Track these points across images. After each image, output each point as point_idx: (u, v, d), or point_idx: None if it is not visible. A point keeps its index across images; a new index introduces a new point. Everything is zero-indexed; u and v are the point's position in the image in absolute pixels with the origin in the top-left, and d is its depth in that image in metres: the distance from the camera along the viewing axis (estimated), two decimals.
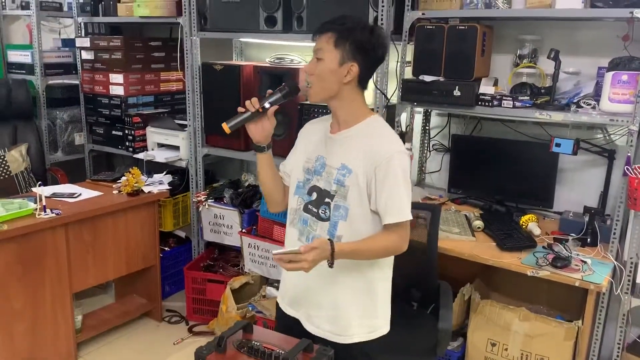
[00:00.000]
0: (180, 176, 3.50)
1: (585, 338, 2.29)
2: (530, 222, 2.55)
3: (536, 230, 2.51)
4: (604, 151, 2.53)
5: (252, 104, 1.73)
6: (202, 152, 3.33)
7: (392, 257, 1.81)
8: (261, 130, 1.76)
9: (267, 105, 1.73)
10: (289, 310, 1.88)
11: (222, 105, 3.18)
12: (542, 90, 2.54)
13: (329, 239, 1.59)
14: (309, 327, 1.81)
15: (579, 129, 2.63)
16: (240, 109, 1.75)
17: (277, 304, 1.95)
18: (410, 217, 1.65)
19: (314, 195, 1.74)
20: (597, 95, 2.41)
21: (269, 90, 1.78)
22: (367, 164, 1.64)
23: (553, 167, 2.66)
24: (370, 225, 1.69)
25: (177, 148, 3.41)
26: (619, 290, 2.30)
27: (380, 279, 1.80)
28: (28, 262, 2.54)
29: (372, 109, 1.90)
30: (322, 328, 1.78)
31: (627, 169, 2.21)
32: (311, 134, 1.84)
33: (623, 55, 2.32)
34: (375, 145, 1.65)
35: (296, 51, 3.20)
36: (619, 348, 2.44)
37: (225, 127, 1.72)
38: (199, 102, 3.29)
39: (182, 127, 3.38)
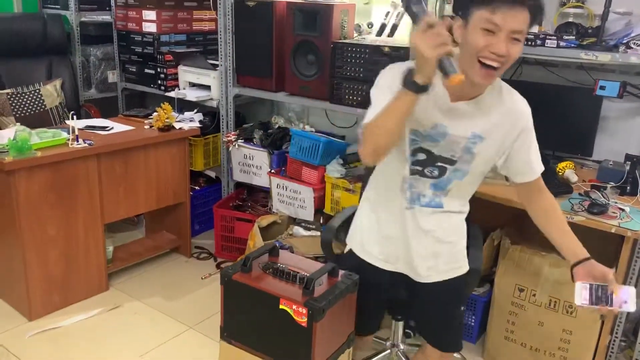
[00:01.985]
0: (211, 117, 3.49)
1: None
2: (567, 169, 2.46)
3: (573, 178, 2.42)
4: None
5: (444, 38, 1.25)
6: (233, 92, 3.31)
7: None
8: None
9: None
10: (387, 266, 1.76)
11: (254, 44, 3.13)
12: (589, 31, 2.41)
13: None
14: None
15: (626, 74, 2.50)
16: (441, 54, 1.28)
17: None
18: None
19: (421, 156, 1.59)
20: None
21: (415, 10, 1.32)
22: (507, 126, 1.55)
23: (595, 114, 2.54)
24: (476, 186, 1.71)
25: (208, 88, 3.39)
26: None
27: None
28: (61, 190, 2.59)
29: None
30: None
31: None
32: (424, 101, 1.45)
33: None
34: (512, 105, 1.56)
35: None
36: None
37: (458, 77, 1.28)
38: (231, 41, 3.24)
39: (214, 67, 3.35)
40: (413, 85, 1.30)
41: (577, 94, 2.57)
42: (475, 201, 2.31)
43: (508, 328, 2.43)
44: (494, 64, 1.38)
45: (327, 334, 1.52)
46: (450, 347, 1.89)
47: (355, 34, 3.04)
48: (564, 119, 2.61)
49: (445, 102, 1.52)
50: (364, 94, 2.81)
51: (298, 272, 1.56)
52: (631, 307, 1.44)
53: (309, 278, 1.49)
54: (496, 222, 2.56)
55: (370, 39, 2.95)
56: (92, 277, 2.84)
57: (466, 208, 1.76)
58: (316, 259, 2.61)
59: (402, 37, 2.84)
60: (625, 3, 2.42)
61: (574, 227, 2.17)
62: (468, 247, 2.23)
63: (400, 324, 2.36)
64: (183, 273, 3.16)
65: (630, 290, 1.46)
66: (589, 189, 2.31)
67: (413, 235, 1.66)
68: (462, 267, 1.78)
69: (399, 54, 2.67)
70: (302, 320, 1.46)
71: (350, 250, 1.85)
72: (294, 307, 1.46)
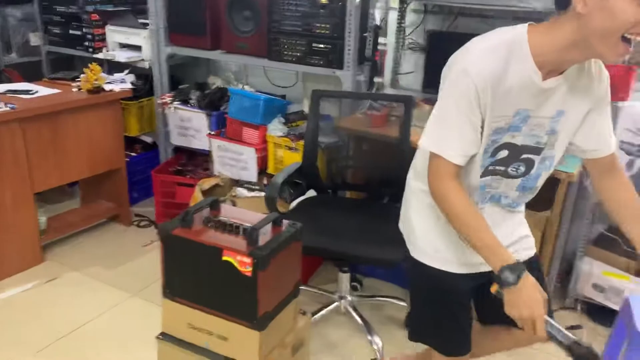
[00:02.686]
0: (144, 79, 3.34)
1: (554, 228, 2.32)
2: None
3: None
4: None
5: None
6: (165, 51, 3.16)
7: None
8: None
9: None
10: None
11: (186, 0, 2.99)
12: None
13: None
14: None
15: None
16: None
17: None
18: None
19: (502, 154, 1.36)
20: None
21: None
22: (586, 94, 1.32)
23: None
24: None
25: (139, 48, 3.23)
26: (588, 182, 2.32)
27: None
28: None
29: None
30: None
31: None
32: (495, 86, 1.25)
33: None
34: (593, 71, 1.31)
35: None
36: (584, 241, 2.50)
37: None
38: None
39: (144, 26, 3.18)
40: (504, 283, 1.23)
41: None
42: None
43: None
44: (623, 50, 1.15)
45: (273, 284, 1.50)
46: None
47: None
48: None
49: (536, 84, 1.26)
50: (303, 49, 2.75)
51: (241, 224, 1.52)
52: None
53: (252, 228, 1.45)
54: None
55: None
56: (25, 249, 2.69)
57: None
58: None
59: None
60: None
61: None
62: None
63: (347, 275, 2.38)
64: (123, 242, 3.05)
65: None
66: None
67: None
68: (532, 247, 1.61)
69: (336, 4, 2.62)
70: (247, 270, 1.42)
71: (417, 263, 1.51)
72: (238, 257, 1.42)
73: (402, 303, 2.52)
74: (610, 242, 2.48)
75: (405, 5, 2.90)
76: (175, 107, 3.12)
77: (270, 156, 2.89)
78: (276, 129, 2.86)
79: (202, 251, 1.47)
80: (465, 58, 1.26)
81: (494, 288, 1.27)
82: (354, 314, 2.37)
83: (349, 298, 2.42)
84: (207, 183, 2.91)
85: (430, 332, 1.56)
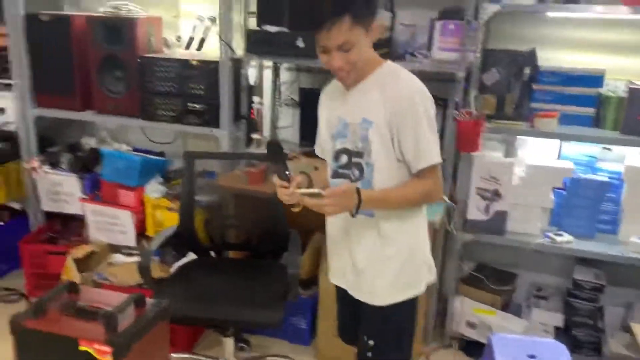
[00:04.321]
0: (11, 142, 3.13)
1: None
2: None
3: None
4: (440, 99, 2.68)
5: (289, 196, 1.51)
6: (32, 113, 3.00)
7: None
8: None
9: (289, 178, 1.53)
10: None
11: (52, 60, 2.88)
12: (381, 42, 2.61)
13: (356, 188, 1.49)
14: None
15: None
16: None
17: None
18: (441, 160, 1.55)
19: (343, 159, 1.61)
20: (429, 46, 2.53)
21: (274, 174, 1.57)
22: (388, 110, 1.50)
23: None
24: (398, 179, 1.57)
25: (2, 110, 3.04)
26: (451, 227, 2.49)
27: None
28: None
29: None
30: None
31: (456, 112, 2.36)
32: (328, 100, 1.72)
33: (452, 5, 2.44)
34: (392, 89, 1.51)
35: None
36: (455, 280, 2.66)
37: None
38: (25, 58, 2.93)
39: (8, 87, 3.01)
40: None
41: None
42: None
43: None
44: (338, 75, 1.53)
45: None
46: None
47: (164, 48, 2.95)
48: None
49: (342, 91, 1.60)
50: (179, 108, 2.74)
51: (100, 308, 1.45)
52: None
53: (110, 313, 1.40)
54: (316, 226, 2.65)
55: (180, 52, 2.89)
56: None
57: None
58: (140, 286, 2.49)
59: (211, 51, 2.82)
60: (409, 16, 2.66)
61: None
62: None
63: (231, 340, 2.33)
64: None
65: None
66: None
67: None
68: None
69: (208, 67, 2.65)
70: (107, 359, 1.36)
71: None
72: (95, 346, 1.36)
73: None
74: (478, 280, 2.66)
75: (279, 65, 2.99)
76: (45, 172, 2.96)
77: (149, 218, 2.81)
78: (154, 190, 2.80)
79: (57, 343, 1.39)
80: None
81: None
82: None
83: None
84: (80, 251, 2.77)
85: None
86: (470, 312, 2.61)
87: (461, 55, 2.33)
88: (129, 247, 2.81)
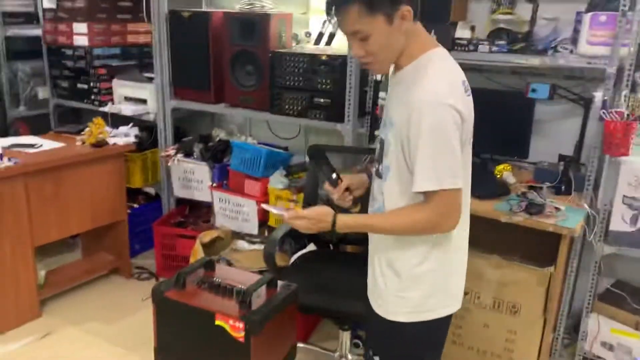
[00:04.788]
0: (148, 132, 3.38)
1: (558, 284, 2.27)
2: (505, 171, 2.50)
3: (511, 179, 2.46)
4: (580, 99, 2.48)
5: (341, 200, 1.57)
6: (170, 105, 3.21)
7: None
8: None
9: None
10: None
11: (191, 55, 3.06)
12: (520, 37, 2.47)
13: (334, 213, 1.44)
14: None
15: (556, 78, 2.57)
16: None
17: None
18: (447, 187, 1.31)
19: (377, 148, 1.50)
20: (574, 40, 2.35)
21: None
22: (403, 115, 1.34)
23: (529, 117, 2.60)
24: (409, 193, 1.38)
25: (144, 101, 3.29)
26: (591, 237, 2.28)
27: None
28: None
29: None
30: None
31: (603, 112, 2.16)
32: (389, 85, 1.55)
33: None
34: (412, 89, 1.34)
35: None
36: (590, 296, 2.44)
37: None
38: (166, 53, 3.15)
39: (150, 80, 3.25)
40: None
41: (511, 97, 2.62)
42: None
43: (455, 332, 2.43)
44: (362, 64, 1.43)
45: (266, 348, 1.46)
46: None
47: (293, 43, 3.02)
48: (500, 123, 2.65)
49: (391, 74, 1.48)
50: (305, 103, 2.79)
51: (235, 286, 1.49)
52: None
53: (245, 291, 1.43)
54: None
55: (309, 48, 2.94)
56: (22, 304, 2.66)
57: None
58: (261, 272, 2.55)
59: (340, 46, 2.84)
60: (552, 9, 2.50)
61: (512, 227, 2.21)
62: None
63: (348, 333, 2.32)
64: (122, 295, 3.02)
65: None
66: (526, 190, 2.35)
67: None
68: None
69: (337, 62, 2.67)
70: (239, 335, 1.39)
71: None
72: (230, 322, 1.39)
73: None
74: (617, 297, 2.42)
75: None
76: (178, 160, 3.15)
77: None
78: (277, 181, 2.86)
79: (194, 315, 1.45)
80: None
81: None
82: None
83: (350, 357, 2.35)
84: (208, 236, 2.90)
85: None
86: (607, 333, 2.38)
87: (613, 50, 2.13)
88: (252, 235, 2.90)
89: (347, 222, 1.44)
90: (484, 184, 2.38)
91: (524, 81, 2.64)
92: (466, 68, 2.76)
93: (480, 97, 2.64)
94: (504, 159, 2.66)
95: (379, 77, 2.84)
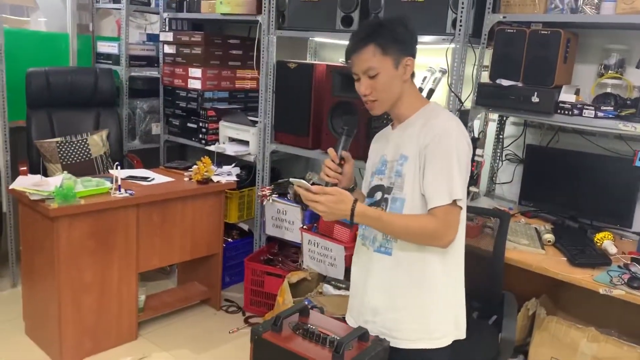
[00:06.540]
0: (247, 171, 3.58)
1: None
2: (605, 240, 2.40)
3: (612, 249, 2.36)
4: None
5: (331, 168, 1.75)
6: (270, 147, 3.39)
7: (459, 256, 1.72)
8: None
9: (342, 154, 1.76)
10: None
11: (293, 103, 3.23)
12: (628, 102, 2.41)
13: (355, 199, 1.54)
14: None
15: None
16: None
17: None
18: (459, 203, 1.52)
19: (377, 195, 1.69)
20: None
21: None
22: (420, 144, 1.57)
23: (635, 185, 2.51)
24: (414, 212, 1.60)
25: (246, 143, 3.49)
26: None
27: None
28: (100, 237, 2.67)
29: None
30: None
31: None
32: (375, 143, 1.84)
33: None
34: (430, 123, 1.58)
35: None
36: None
37: None
38: (271, 99, 3.35)
39: (253, 123, 3.46)
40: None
41: (616, 163, 2.55)
42: (510, 269, 2.29)
43: None
44: (367, 102, 1.64)
45: None
46: None
47: None
48: (602, 188, 2.58)
49: (388, 133, 1.74)
50: None
51: (328, 335, 1.55)
52: None
53: (339, 342, 1.48)
54: (531, 291, 2.50)
55: None
56: (123, 325, 2.87)
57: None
58: (344, 318, 2.59)
59: (438, 101, 2.89)
60: None
61: (613, 300, 2.12)
62: (500, 319, 2.19)
63: None
64: (211, 326, 3.16)
65: None
66: (628, 262, 2.25)
67: None
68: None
69: None
70: None
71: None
72: None
73: None
74: None
75: (504, 118, 2.94)
76: (273, 200, 3.30)
77: None
78: None
79: (289, 359, 1.51)
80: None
81: None
82: None
83: None
84: (295, 276, 2.99)
85: None
86: None
87: None
88: (337, 280, 2.96)
89: (366, 211, 1.55)
90: (583, 251, 2.31)
91: (628, 146, 2.56)
92: (568, 130, 2.73)
93: (583, 161, 2.64)
94: (606, 226, 2.57)
95: (477, 133, 2.87)
